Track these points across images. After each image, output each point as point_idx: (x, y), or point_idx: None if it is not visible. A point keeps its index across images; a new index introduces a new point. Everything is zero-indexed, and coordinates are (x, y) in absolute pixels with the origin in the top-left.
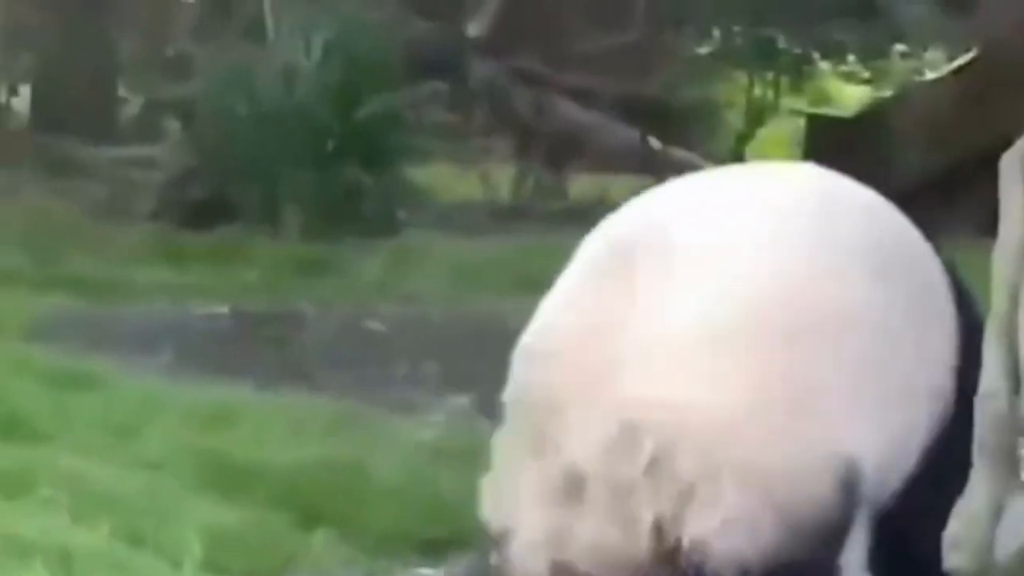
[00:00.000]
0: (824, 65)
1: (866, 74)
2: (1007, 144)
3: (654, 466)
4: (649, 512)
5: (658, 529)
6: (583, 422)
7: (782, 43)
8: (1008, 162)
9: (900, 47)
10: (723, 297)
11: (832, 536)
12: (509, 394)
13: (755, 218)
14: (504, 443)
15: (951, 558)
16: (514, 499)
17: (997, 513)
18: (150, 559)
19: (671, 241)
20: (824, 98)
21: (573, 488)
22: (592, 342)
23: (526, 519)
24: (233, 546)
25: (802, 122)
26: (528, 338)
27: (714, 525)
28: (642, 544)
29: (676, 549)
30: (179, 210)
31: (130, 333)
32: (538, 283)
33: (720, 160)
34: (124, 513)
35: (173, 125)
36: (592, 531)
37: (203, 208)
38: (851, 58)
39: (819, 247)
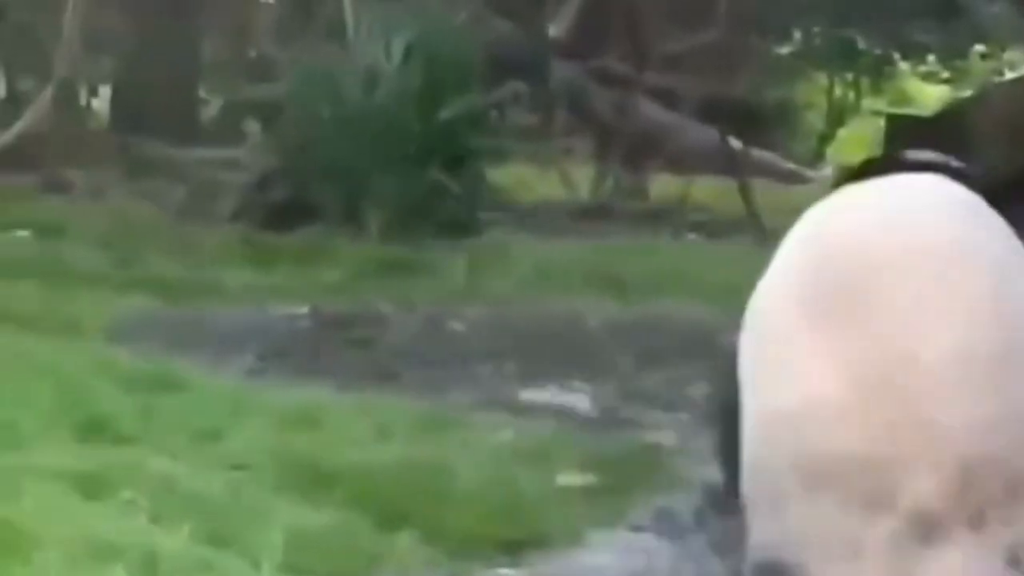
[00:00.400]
0: (904, 66)
1: (946, 74)
2: None
3: (1006, 491)
4: (1006, 537)
5: (1014, 554)
6: (914, 467)
7: (862, 44)
8: None
9: (980, 47)
10: (973, 317)
11: None
12: (786, 464)
13: (950, 232)
14: (808, 514)
15: None
16: (846, 556)
17: None
18: (232, 560)
19: (889, 265)
20: (904, 98)
21: (925, 532)
22: (871, 385)
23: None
24: (315, 548)
25: (882, 122)
26: (789, 405)
27: None
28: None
29: None
30: (261, 211)
31: (212, 334)
32: (617, 282)
33: (801, 160)
34: (206, 515)
35: (254, 127)
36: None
37: (285, 209)
38: (931, 58)
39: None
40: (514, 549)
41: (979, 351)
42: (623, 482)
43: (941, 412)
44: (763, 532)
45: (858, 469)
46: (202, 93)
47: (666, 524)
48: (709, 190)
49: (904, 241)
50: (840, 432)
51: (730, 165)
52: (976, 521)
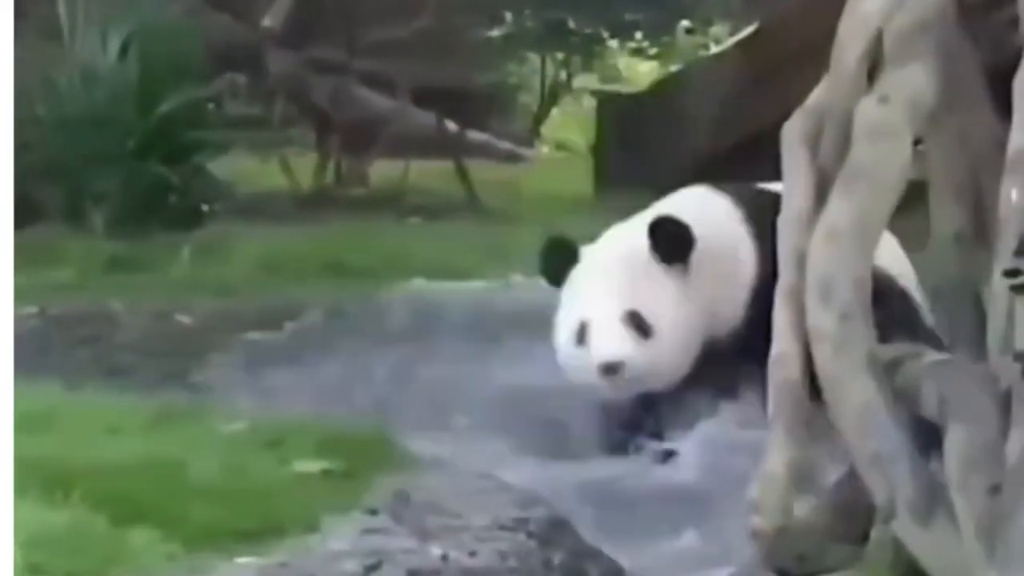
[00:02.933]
0: (613, 43)
1: (654, 50)
2: (788, 116)
3: None
4: None
5: None
6: None
7: (572, 23)
8: (789, 133)
9: (685, 23)
10: None
11: None
12: None
13: None
14: None
15: (752, 521)
16: None
17: (794, 475)
18: None
19: None
20: (615, 75)
21: None
22: None
23: None
24: (53, 549)
25: (594, 100)
26: None
27: None
28: None
29: None
30: None
31: None
32: (340, 268)
33: (517, 140)
34: None
35: None
36: None
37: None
38: (639, 35)
39: None
40: (251, 538)
41: None
42: (359, 466)
43: None
44: None
45: None
46: None
47: (401, 506)
48: (428, 173)
49: None
50: None
51: (447, 147)
52: None
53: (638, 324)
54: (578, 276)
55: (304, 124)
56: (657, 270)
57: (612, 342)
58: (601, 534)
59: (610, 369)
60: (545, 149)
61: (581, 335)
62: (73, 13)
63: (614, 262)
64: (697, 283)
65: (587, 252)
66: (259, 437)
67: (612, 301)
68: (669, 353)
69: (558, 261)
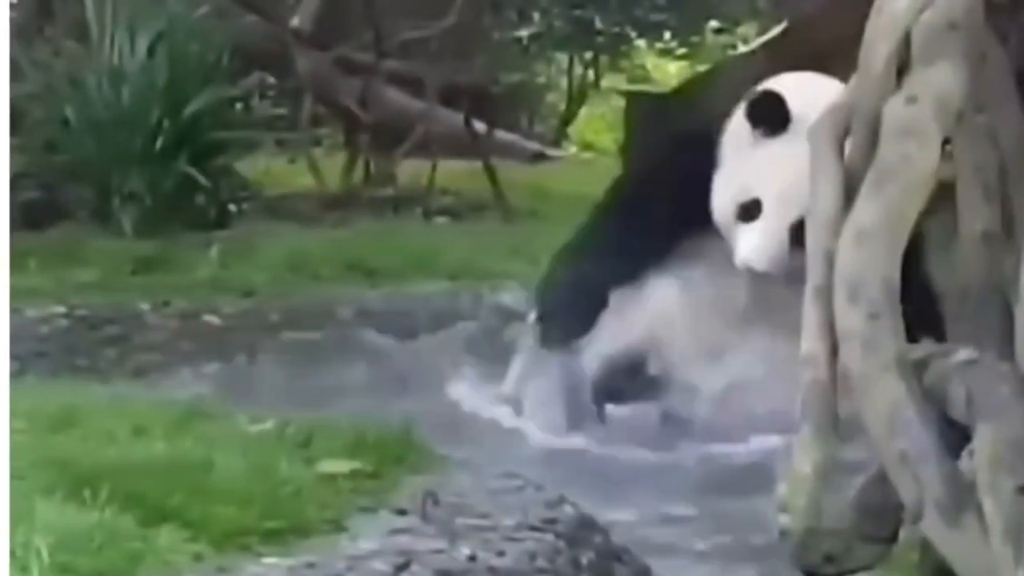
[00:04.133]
0: (641, 43)
1: (682, 50)
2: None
3: None
4: None
5: None
6: None
7: (599, 23)
8: (816, 133)
9: (713, 23)
10: None
11: None
12: None
13: None
14: None
15: (781, 520)
16: None
17: (823, 475)
18: None
19: None
20: (644, 75)
21: None
22: None
23: None
24: (81, 549)
25: (621, 100)
26: None
27: None
28: None
29: None
30: (11, 214)
31: None
32: (367, 268)
33: (544, 140)
34: None
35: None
36: None
37: (35, 211)
38: (667, 35)
39: None
40: (279, 538)
41: None
42: (387, 466)
43: None
44: None
45: None
46: None
47: (430, 506)
48: (456, 173)
49: None
50: None
51: (474, 148)
52: None
53: (798, 235)
54: (779, 142)
55: (332, 124)
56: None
57: (770, 251)
58: None
59: (754, 272)
60: (573, 149)
61: (747, 213)
62: (101, 14)
63: (806, 144)
64: None
65: (796, 120)
66: (286, 437)
67: (791, 200)
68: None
69: (766, 111)
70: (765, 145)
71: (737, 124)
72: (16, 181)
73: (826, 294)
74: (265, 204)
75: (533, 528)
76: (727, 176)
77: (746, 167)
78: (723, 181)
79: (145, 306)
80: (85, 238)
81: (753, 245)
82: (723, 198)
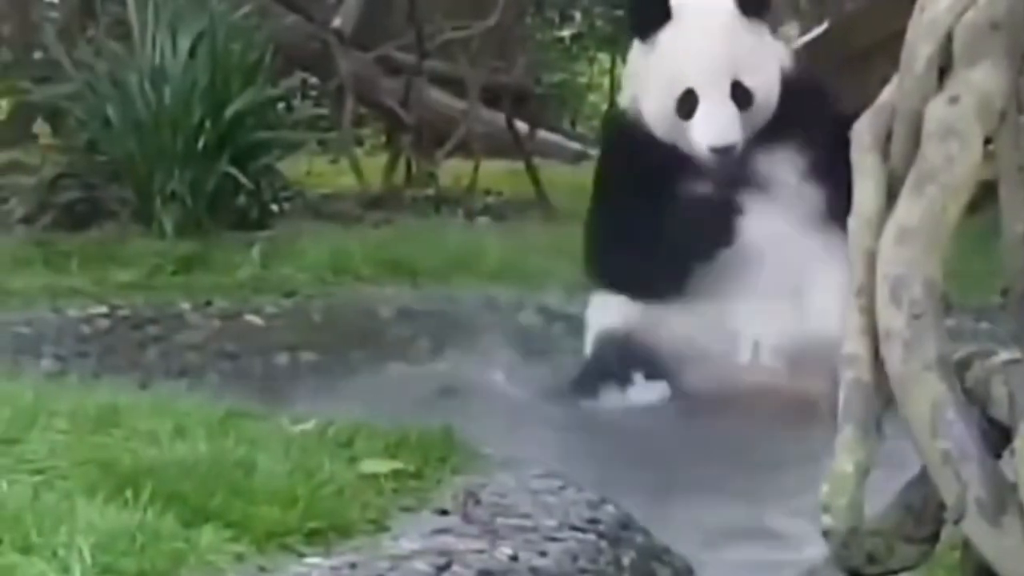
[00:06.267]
0: None
1: None
2: (857, 115)
3: None
4: None
5: None
6: None
7: None
8: (858, 133)
9: None
10: None
11: None
12: None
13: None
14: None
15: (823, 520)
16: None
17: (865, 475)
18: (40, 566)
19: None
20: None
21: None
22: None
23: None
24: (123, 548)
25: None
26: None
27: None
28: None
29: None
30: (53, 213)
31: (8, 338)
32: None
33: (587, 141)
34: (8, 522)
35: (44, 128)
36: None
37: (77, 210)
38: None
39: None
40: (321, 538)
41: None
42: (429, 466)
43: None
44: None
45: None
46: None
47: (471, 506)
48: (498, 174)
49: None
50: None
51: (516, 148)
52: None
53: (742, 95)
54: (672, 35)
55: (374, 124)
56: (748, 27)
57: (724, 124)
58: None
59: (722, 151)
60: None
61: (685, 107)
62: (143, 14)
63: (712, 22)
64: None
65: (678, 8)
66: (328, 437)
67: (719, 71)
68: (763, 116)
69: (648, 14)
70: (660, 43)
71: (633, 53)
72: (58, 181)
73: (868, 295)
74: (307, 204)
75: (575, 528)
76: (652, 95)
77: (660, 70)
78: (650, 101)
79: (186, 306)
80: (127, 238)
81: (706, 128)
82: (658, 110)
